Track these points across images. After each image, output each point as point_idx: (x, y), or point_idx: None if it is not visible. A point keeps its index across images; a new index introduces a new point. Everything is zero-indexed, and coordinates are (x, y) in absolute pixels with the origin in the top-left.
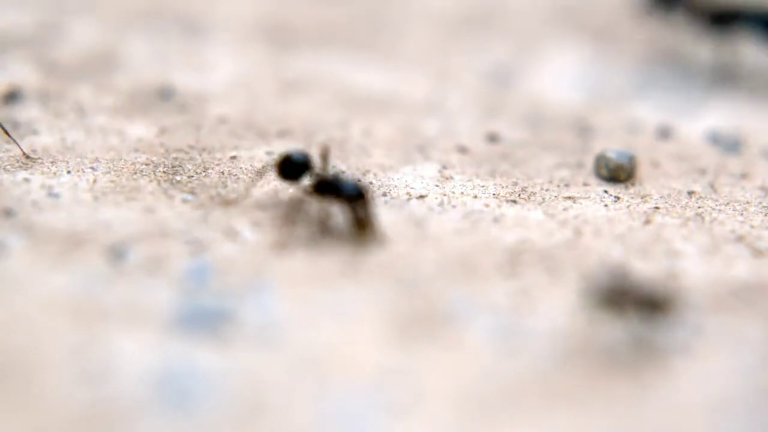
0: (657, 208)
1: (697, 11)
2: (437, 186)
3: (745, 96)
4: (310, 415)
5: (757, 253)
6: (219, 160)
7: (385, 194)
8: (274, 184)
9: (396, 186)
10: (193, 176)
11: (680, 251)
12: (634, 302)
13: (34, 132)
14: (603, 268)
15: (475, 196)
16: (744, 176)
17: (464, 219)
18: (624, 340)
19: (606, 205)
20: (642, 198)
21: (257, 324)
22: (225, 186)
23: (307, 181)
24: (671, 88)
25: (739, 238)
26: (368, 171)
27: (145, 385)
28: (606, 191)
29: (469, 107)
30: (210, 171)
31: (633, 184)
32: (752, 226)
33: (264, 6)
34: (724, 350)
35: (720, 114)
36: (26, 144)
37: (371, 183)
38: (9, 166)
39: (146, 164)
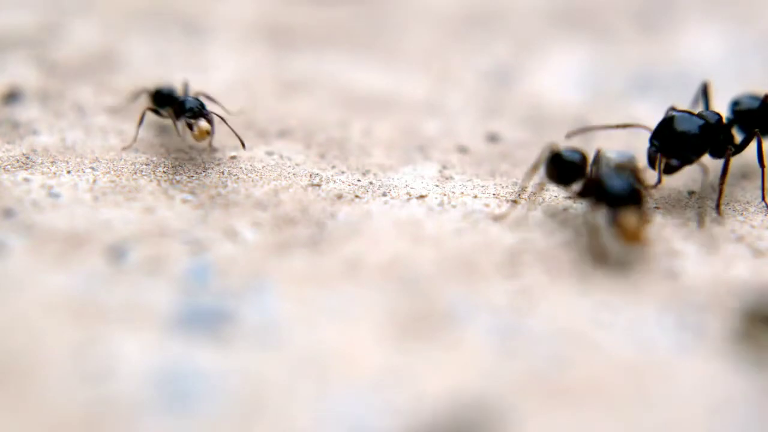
0: (657, 208)
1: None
2: (437, 186)
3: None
4: (310, 415)
5: (757, 253)
6: (219, 160)
7: (385, 194)
8: (274, 184)
9: (396, 186)
10: (193, 176)
11: (680, 251)
12: None
13: (34, 132)
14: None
15: (475, 196)
16: (744, 176)
17: (464, 219)
18: None
19: None
20: None
21: (257, 324)
22: (225, 186)
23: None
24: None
25: (739, 238)
26: (368, 171)
27: (145, 385)
28: None
29: (470, 107)
30: (210, 171)
31: None
32: (752, 226)
33: (264, 6)
34: (723, 350)
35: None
36: (26, 144)
37: (371, 183)
38: (9, 166)
39: (146, 164)
